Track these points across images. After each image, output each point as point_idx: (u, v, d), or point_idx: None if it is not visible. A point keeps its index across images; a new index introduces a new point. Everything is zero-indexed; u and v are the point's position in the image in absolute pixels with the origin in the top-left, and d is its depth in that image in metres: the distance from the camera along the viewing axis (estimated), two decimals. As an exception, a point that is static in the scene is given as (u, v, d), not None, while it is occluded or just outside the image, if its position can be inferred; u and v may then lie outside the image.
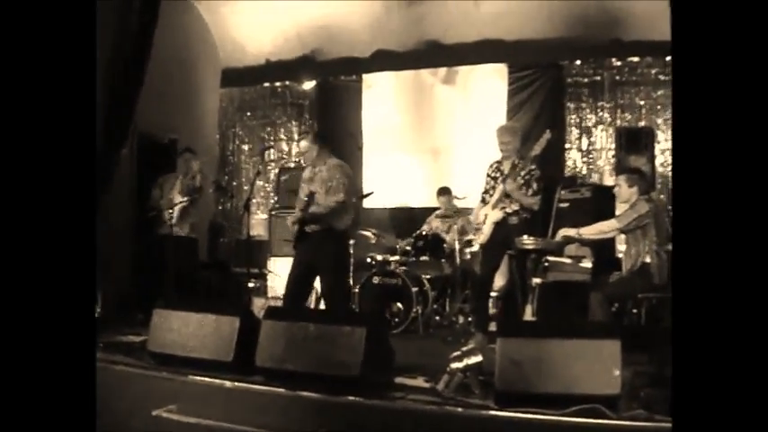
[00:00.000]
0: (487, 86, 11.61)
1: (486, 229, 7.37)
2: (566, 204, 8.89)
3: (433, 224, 9.88)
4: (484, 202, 7.58)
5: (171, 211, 8.65)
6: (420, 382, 5.26)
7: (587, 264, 7.66)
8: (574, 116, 11.10)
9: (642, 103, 10.65)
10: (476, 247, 7.80)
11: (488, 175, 7.62)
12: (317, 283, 7.56)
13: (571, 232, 6.77)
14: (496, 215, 7.31)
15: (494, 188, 7.44)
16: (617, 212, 6.93)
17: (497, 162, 7.59)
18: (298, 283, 7.18)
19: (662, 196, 9.82)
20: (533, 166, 7.38)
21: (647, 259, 6.37)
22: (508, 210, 7.29)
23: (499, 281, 8.02)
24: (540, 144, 7.21)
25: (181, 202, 8.73)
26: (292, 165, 12.47)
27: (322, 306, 7.77)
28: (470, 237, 8.44)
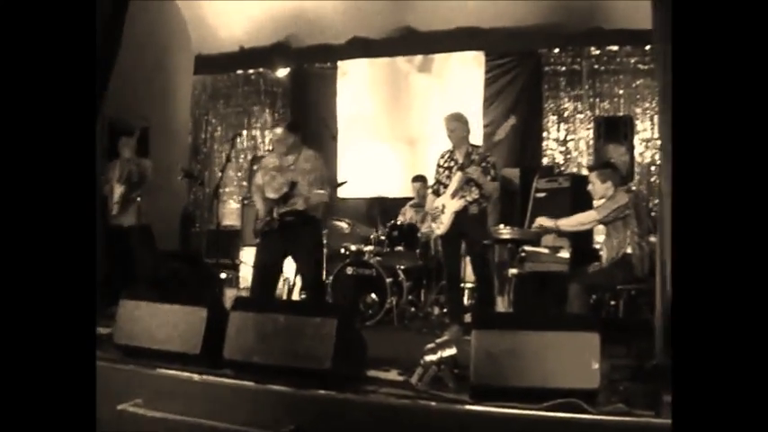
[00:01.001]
0: (464, 74, 11.59)
1: (446, 219, 7.32)
2: (543, 194, 8.83)
3: (408, 214, 9.81)
4: (437, 193, 7.55)
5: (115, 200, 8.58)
6: (393, 375, 5.16)
7: (565, 254, 7.59)
8: (552, 105, 11.08)
9: (621, 92, 10.64)
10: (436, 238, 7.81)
11: (440, 165, 7.59)
12: (292, 274, 7.49)
13: (549, 223, 6.69)
14: (457, 204, 7.26)
15: (448, 177, 7.40)
16: (594, 205, 6.85)
17: (449, 151, 7.55)
18: (268, 271, 7.11)
19: (641, 187, 9.79)
20: (488, 153, 7.39)
21: (629, 250, 6.31)
22: (468, 198, 7.24)
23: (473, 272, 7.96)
24: (503, 129, 7.20)
25: (120, 194, 8.65)
26: (264, 153, 12.38)
27: (293, 297, 7.67)
28: (426, 228, 8.41)
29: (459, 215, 7.26)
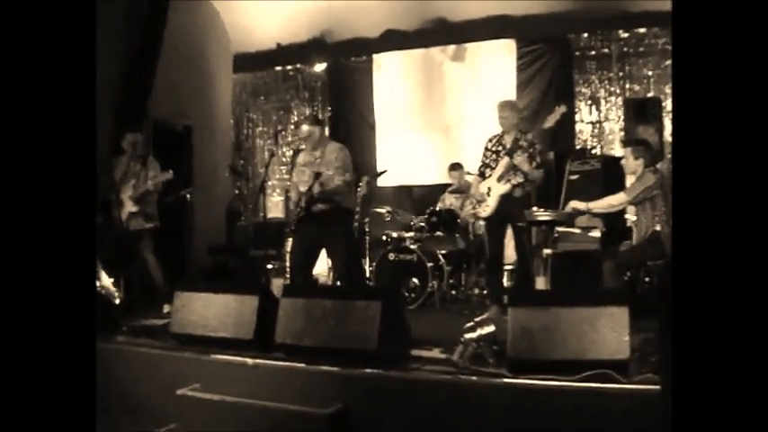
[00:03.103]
0: (496, 62, 11.65)
1: (492, 202, 7.44)
2: (576, 176, 8.94)
3: (447, 200, 9.95)
4: (483, 176, 7.66)
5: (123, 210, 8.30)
6: (436, 353, 5.34)
7: (596, 233, 7.72)
8: (583, 89, 11.13)
9: (650, 73, 10.66)
10: (481, 221, 7.92)
11: (488, 149, 7.68)
12: (329, 262, 7.71)
13: (581, 206, 6.84)
14: (503, 188, 7.39)
15: (495, 161, 7.51)
16: (627, 183, 7.00)
17: (498, 136, 7.65)
18: (304, 258, 7.36)
19: (671, 166, 9.84)
20: (536, 140, 7.49)
21: (658, 228, 6.42)
22: (513, 182, 7.37)
23: (513, 253, 8.09)
24: (553, 116, 7.29)
25: (130, 212, 8.28)
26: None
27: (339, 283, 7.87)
28: (472, 210, 8.54)
29: (505, 198, 7.40)
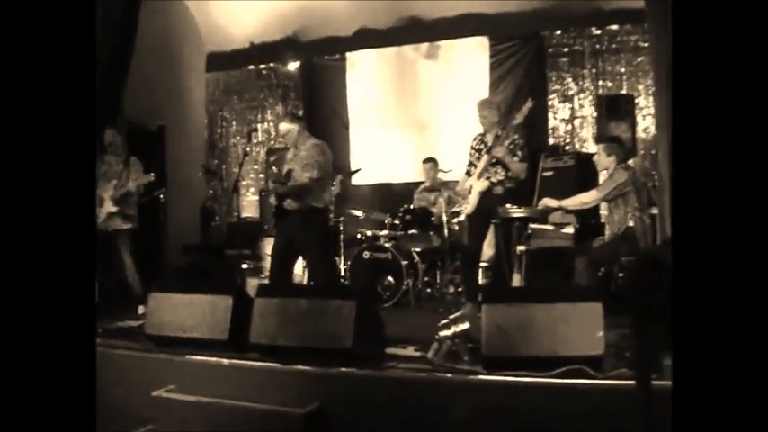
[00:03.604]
0: (470, 60, 11.70)
1: (473, 199, 7.44)
2: (549, 173, 9.01)
3: (420, 198, 9.99)
4: (469, 174, 7.67)
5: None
6: (411, 351, 5.35)
7: (570, 230, 7.75)
8: (556, 86, 11.19)
9: (623, 70, 10.74)
10: (462, 218, 7.93)
11: (473, 148, 7.71)
12: (303, 261, 7.72)
13: (553, 203, 6.89)
14: (482, 185, 7.39)
15: (478, 159, 7.53)
16: (600, 179, 7.04)
17: (480, 134, 7.68)
18: (280, 259, 7.35)
19: (645, 162, 9.94)
20: (516, 135, 7.49)
21: (630, 224, 6.49)
22: (493, 179, 7.38)
23: (488, 251, 8.12)
24: (521, 113, 7.31)
25: (108, 213, 8.18)
26: (280, 145, 12.58)
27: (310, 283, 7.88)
28: (457, 208, 8.55)
29: (484, 195, 7.41)
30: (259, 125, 13.32)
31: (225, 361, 5.26)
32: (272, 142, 12.92)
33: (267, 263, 10.12)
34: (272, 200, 7.38)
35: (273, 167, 7.93)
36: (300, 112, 12.22)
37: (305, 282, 8.37)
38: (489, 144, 7.43)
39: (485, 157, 7.41)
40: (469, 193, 7.52)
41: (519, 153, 7.39)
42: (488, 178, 7.39)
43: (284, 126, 7.48)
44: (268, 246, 10.21)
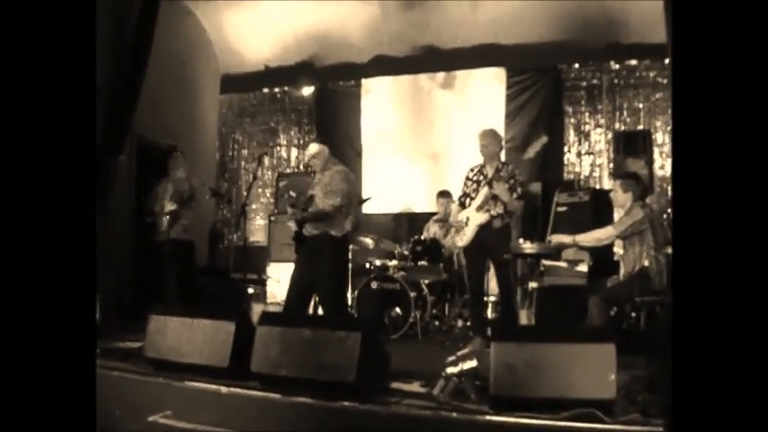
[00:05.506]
0: (486, 90, 11.66)
1: (469, 232, 7.38)
2: (564, 208, 8.89)
3: (432, 229, 9.87)
4: (463, 205, 7.59)
5: (165, 216, 8.72)
6: (416, 387, 5.24)
7: (583, 267, 7.64)
8: (572, 120, 11.12)
9: (641, 106, 10.69)
10: (457, 250, 7.85)
11: (468, 179, 7.62)
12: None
13: (566, 239, 6.76)
14: (481, 218, 7.32)
15: (476, 191, 7.44)
16: (615, 216, 6.92)
17: (480, 165, 7.59)
18: (298, 290, 7.14)
19: (662, 200, 9.83)
20: (517, 171, 7.43)
21: (646, 263, 6.36)
22: (493, 213, 7.30)
23: (494, 285, 8.01)
24: (533, 147, 7.25)
25: (170, 211, 8.77)
26: (290, 170, 12.54)
27: (319, 312, 7.75)
28: (449, 240, 8.46)
29: (483, 228, 7.32)
30: (271, 149, 13.26)
31: (224, 389, 5.16)
32: (283, 167, 12.87)
33: (273, 288, 10.05)
34: (293, 225, 7.19)
35: (291, 192, 7.74)
36: (309, 137, 12.20)
37: (311, 310, 8.27)
38: (489, 176, 7.33)
39: (484, 190, 7.33)
40: (466, 224, 7.43)
41: (518, 190, 7.34)
42: (488, 211, 7.30)
43: (315, 147, 7.33)
44: (275, 271, 10.13)
